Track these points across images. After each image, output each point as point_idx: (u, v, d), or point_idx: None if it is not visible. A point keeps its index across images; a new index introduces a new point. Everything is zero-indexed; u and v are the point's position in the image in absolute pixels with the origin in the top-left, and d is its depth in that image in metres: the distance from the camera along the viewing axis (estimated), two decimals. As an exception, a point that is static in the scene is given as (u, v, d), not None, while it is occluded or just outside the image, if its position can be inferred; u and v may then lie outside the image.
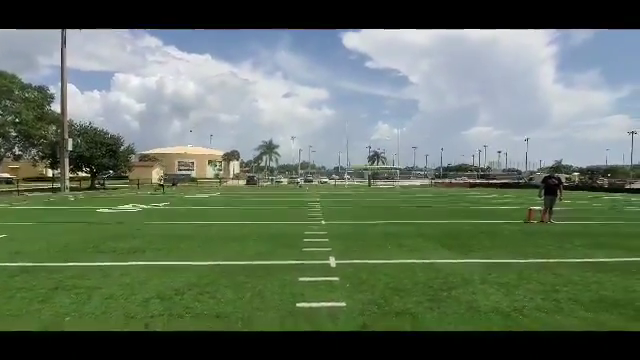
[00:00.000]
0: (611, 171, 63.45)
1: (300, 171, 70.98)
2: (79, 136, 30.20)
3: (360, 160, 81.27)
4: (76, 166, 30.79)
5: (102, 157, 30.68)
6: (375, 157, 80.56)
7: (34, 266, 4.99)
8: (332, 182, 57.83)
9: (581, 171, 71.35)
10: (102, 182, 35.52)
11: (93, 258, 5.45)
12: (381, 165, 75.19)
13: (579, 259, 5.51)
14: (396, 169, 58.98)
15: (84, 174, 33.63)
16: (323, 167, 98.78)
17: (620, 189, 34.41)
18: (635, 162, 66.37)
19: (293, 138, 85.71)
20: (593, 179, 50.34)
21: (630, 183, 41.27)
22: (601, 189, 35.46)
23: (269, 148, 75.90)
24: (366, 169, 62.30)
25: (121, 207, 14.31)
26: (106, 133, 32.40)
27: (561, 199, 10.26)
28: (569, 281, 4.34)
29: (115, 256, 5.59)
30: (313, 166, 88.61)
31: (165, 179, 29.64)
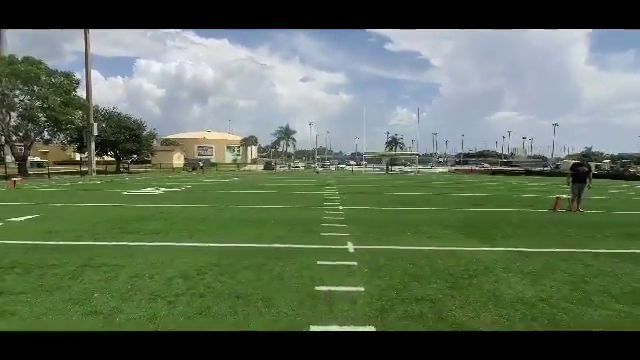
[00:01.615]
0: (646, 159, 59.90)
1: (317, 157, 70.91)
2: (104, 121, 31.17)
3: (378, 146, 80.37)
4: (102, 150, 31.94)
5: (126, 142, 31.69)
6: (393, 143, 79.29)
7: (65, 245, 5.23)
8: (349, 168, 57.56)
9: (612, 159, 67.84)
10: (127, 166, 36.82)
11: (119, 238, 5.66)
12: (399, 151, 74.01)
13: (610, 249, 5.25)
14: (415, 155, 57.85)
15: (109, 158, 34.88)
16: (340, 152, 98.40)
17: (655, 178, 32.47)
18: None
19: (311, 124, 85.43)
20: (625, 167, 47.82)
21: (666, 172, 38.87)
22: (634, 178, 33.65)
23: (286, 134, 76.09)
24: (384, 155, 61.45)
25: (144, 190, 14.78)
26: (129, 118, 33.30)
27: (590, 187, 9.79)
28: (599, 272, 4.16)
29: (140, 236, 5.79)
30: (330, 152, 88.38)
31: (187, 164, 30.78)
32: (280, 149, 79.62)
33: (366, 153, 57.50)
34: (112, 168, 33.64)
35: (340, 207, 9.77)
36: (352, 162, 70.57)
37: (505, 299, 3.33)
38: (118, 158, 34.42)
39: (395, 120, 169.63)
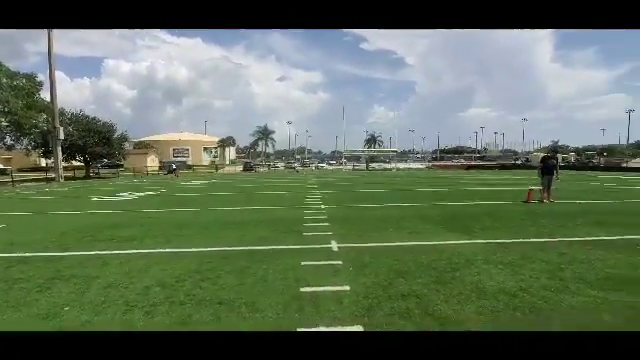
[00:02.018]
0: (607, 150, 63.69)
1: (297, 156, 70.62)
2: (70, 124, 29.65)
3: (357, 144, 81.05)
4: (69, 155, 30.37)
5: (95, 145, 30.25)
6: (372, 140, 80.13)
7: (31, 256, 4.90)
8: (329, 167, 57.73)
9: (577, 151, 71.61)
10: (97, 171, 35.25)
11: (91, 247, 5.36)
12: (378, 148, 74.90)
13: (581, 237, 5.50)
14: (393, 152, 58.84)
15: (78, 163, 33.24)
16: (320, 151, 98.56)
17: (616, 168, 34.66)
18: (632, 141, 66.98)
19: (289, 123, 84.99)
20: (589, 158, 50.65)
21: (626, 162, 41.57)
22: (597, 168, 35.71)
23: (264, 133, 75.22)
24: (363, 152, 62.06)
25: (117, 195, 14.17)
26: (98, 121, 31.83)
27: (558, 178, 10.33)
28: (573, 259, 4.32)
29: (113, 244, 5.50)
30: (309, 151, 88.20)
31: (162, 166, 29.90)
32: (259, 149, 78.64)
33: (346, 151, 57.87)
34: (81, 173, 32.07)
35: (322, 206, 9.73)
36: (332, 161, 70.78)
37: (487, 290, 3.39)
38: (87, 163, 32.81)
39: (373, 118, 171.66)
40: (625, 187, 15.21)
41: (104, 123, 31.98)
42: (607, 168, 35.35)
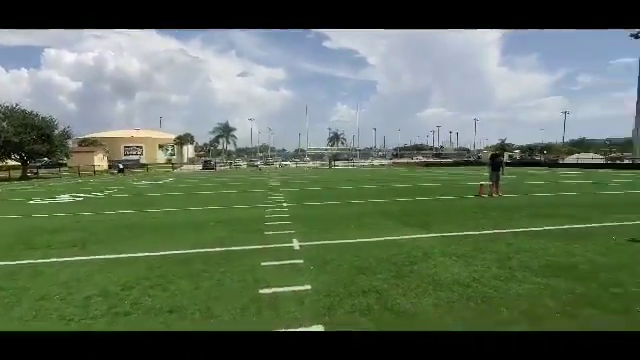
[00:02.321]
0: (547, 148, 70.00)
1: (259, 154, 69.39)
2: (5, 120, 26.68)
3: (320, 142, 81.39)
4: (3, 154, 27.33)
5: (33, 142, 27.42)
6: (335, 138, 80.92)
7: (-54, 269, 4.27)
8: (292, 165, 57.45)
9: (521, 149, 77.79)
10: (36, 171, 32.04)
11: (23, 255, 4.79)
12: (341, 146, 75.85)
13: (526, 228, 5.90)
14: (356, 150, 59.90)
15: (14, 162, 29.98)
16: (283, 149, 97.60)
17: (554, 164, 38.23)
18: (567, 139, 74.20)
19: (251, 120, 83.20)
20: (532, 156, 55.41)
21: (562, 158, 46.05)
22: (539, 164, 39.12)
23: (225, 131, 72.86)
24: (327, 150, 62.54)
25: (57, 197, 12.94)
26: (36, 115, 28.88)
27: (503, 174, 11.11)
28: (519, 249, 4.61)
29: (50, 252, 4.97)
30: (273, 149, 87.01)
31: (112, 165, 27.99)
32: (220, 147, 76.08)
33: (309, 149, 57.91)
34: (17, 174, 28.95)
35: (284, 204, 9.59)
36: (296, 159, 70.53)
37: (443, 282, 3.49)
38: (24, 162, 29.67)
39: (336, 116, 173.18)
40: (561, 181, 16.73)
41: (43, 118, 29.08)
42: (546, 164, 38.89)
